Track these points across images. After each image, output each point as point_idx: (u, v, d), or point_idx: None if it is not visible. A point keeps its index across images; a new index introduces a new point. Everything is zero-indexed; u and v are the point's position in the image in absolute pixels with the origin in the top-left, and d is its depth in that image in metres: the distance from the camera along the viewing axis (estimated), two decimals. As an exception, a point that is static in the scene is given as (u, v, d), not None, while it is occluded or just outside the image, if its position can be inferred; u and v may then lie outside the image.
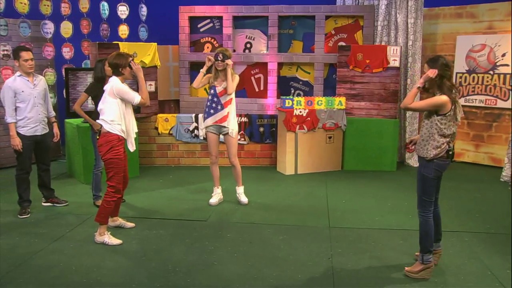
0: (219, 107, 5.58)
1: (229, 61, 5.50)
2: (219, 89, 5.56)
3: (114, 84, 4.55)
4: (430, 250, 4.00)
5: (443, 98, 3.78)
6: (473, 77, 7.91)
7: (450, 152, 3.89)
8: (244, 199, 5.87)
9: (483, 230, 5.07)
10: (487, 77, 7.75)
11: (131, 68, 4.62)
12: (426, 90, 3.97)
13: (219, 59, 5.47)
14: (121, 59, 4.58)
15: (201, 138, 5.59)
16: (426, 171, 3.91)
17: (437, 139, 3.84)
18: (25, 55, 5.21)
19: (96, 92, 5.31)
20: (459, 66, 8.01)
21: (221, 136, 5.76)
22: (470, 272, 4.10)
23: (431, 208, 3.99)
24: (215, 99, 5.57)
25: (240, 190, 5.92)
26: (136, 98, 4.60)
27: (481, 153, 8.00)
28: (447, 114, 3.80)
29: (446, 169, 3.98)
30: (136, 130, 4.82)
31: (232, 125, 5.67)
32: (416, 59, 7.77)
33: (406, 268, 4.08)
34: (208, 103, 5.63)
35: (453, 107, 3.81)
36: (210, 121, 5.63)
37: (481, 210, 5.72)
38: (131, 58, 4.65)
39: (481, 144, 7.98)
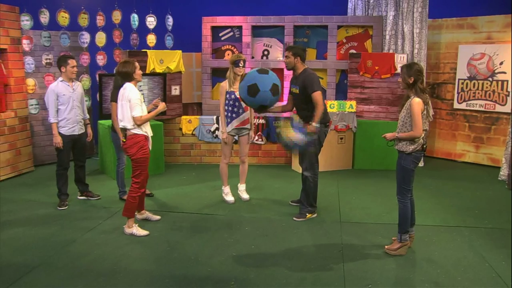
0: (240, 111, 5.53)
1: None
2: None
3: (128, 92, 4.50)
4: (407, 231, 4.20)
5: (416, 100, 3.96)
6: (474, 83, 7.79)
7: (425, 146, 4.08)
8: (245, 195, 5.85)
9: (482, 225, 4.99)
10: (487, 84, 7.63)
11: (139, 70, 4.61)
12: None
13: (241, 65, 5.44)
14: (128, 66, 4.52)
15: (221, 139, 5.53)
16: (406, 163, 4.08)
17: None
18: (74, 62, 5.41)
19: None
20: (461, 73, 7.90)
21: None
22: (470, 264, 4.06)
23: (410, 195, 4.19)
24: (237, 104, 5.50)
25: (242, 187, 5.90)
26: (135, 112, 4.47)
27: (480, 154, 7.88)
28: (421, 114, 3.96)
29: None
30: (152, 134, 4.72)
31: (251, 127, 5.68)
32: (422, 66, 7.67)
33: (386, 246, 4.28)
34: (230, 108, 5.54)
35: (426, 107, 3.98)
36: (232, 125, 5.56)
37: (480, 207, 5.63)
38: (136, 63, 4.60)
39: (481, 146, 7.86)
